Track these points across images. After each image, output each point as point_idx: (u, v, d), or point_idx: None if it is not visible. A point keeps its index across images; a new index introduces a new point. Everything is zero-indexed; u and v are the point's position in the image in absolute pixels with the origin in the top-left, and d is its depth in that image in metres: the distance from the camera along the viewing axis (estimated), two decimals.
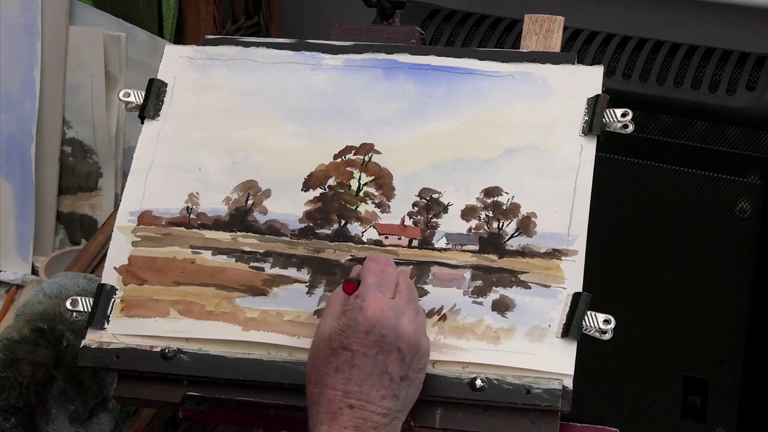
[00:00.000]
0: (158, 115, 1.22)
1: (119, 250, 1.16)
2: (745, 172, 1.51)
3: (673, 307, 1.60)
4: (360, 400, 0.99)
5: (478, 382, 1.04)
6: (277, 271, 1.12)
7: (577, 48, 1.59)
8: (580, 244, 1.09)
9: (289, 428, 1.07)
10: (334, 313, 1.02)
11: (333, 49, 1.23)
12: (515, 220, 1.11)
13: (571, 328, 1.05)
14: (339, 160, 1.17)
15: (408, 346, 1.00)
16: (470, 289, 1.08)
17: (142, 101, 1.22)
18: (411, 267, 1.10)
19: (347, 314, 1.00)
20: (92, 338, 1.12)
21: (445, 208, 1.13)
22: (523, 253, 1.09)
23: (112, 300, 1.13)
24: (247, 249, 1.14)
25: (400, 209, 1.13)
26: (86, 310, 1.13)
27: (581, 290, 1.07)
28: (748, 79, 1.52)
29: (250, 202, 1.16)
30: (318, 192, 1.15)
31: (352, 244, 1.12)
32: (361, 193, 1.15)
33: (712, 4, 1.73)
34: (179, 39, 1.80)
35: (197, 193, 1.17)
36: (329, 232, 1.13)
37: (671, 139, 1.54)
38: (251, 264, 1.13)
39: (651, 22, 1.77)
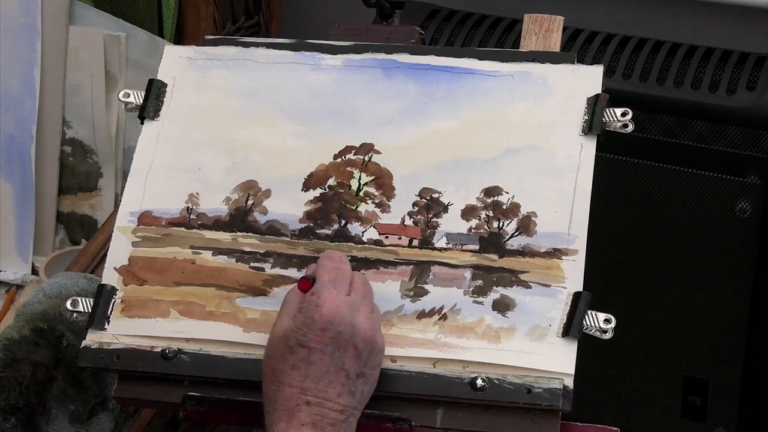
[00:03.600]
0: (158, 116, 1.22)
1: (119, 250, 1.16)
2: (745, 172, 1.51)
3: (673, 306, 1.60)
4: (317, 397, 0.99)
5: (479, 382, 1.04)
6: (277, 271, 1.12)
7: (577, 48, 1.59)
8: (580, 244, 1.09)
9: None
10: (290, 311, 1.02)
11: (333, 49, 1.23)
12: (515, 219, 1.11)
13: (571, 327, 1.05)
14: (339, 160, 1.17)
15: (364, 343, 1.01)
16: (470, 289, 1.08)
17: (141, 101, 1.22)
18: (411, 267, 1.10)
19: (303, 312, 1.01)
20: (93, 339, 1.12)
21: (445, 208, 1.13)
22: (524, 252, 1.09)
23: (113, 300, 1.13)
24: (247, 249, 1.14)
25: (400, 209, 1.13)
26: (86, 310, 1.13)
27: (581, 290, 1.07)
28: (748, 79, 1.52)
29: (250, 202, 1.16)
30: (318, 192, 1.15)
31: (353, 244, 1.12)
32: (361, 193, 1.15)
33: (712, 4, 1.73)
34: (179, 39, 1.81)
35: (197, 193, 1.17)
36: (329, 232, 1.13)
37: (671, 139, 1.54)
38: (251, 264, 1.13)
39: (651, 22, 1.77)
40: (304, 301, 1.01)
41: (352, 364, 1.00)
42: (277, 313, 1.04)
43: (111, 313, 1.13)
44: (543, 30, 1.24)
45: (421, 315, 1.08)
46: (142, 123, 1.22)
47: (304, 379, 0.99)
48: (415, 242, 1.12)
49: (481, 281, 1.08)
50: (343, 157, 1.17)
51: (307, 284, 1.03)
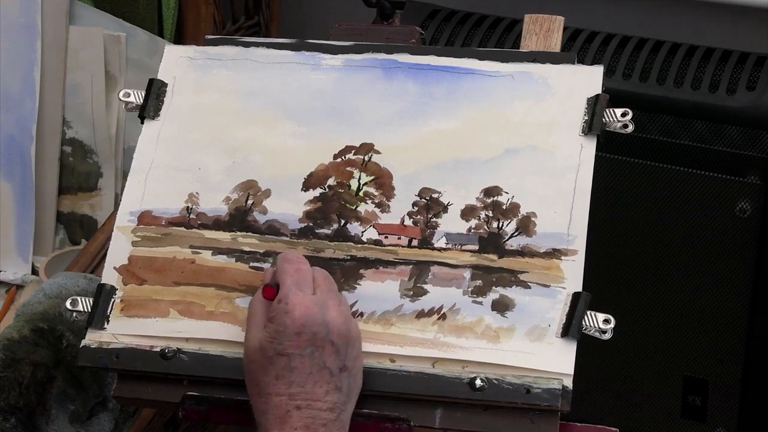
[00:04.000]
0: (158, 115, 1.22)
1: (119, 250, 1.16)
2: (745, 172, 1.51)
3: (673, 307, 1.60)
4: (306, 400, 0.99)
5: (478, 382, 1.04)
6: None
7: (577, 48, 1.59)
8: (579, 244, 1.09)
9: None
10: (259, 322, 1.02)
11: (333, 49, 1.23)
12: (515, 219, 1.11)
13: (570, 327, 1.05)
14: (339, 160, 1.17)
15: (339, 337, 1.01)
16: (470, 289, 1.08)
17: (142, 101, 1.22)
18: (410, 266, 1.10)
19: (274, 320, 1.00)
20: (92, 338, 1.12)
21: (444, 208, 1.13)
22: (523, 252, 1.09)
23: (112, 300, 1.13)
24: (247, 249, 1.14)
25: (399, 209, 1.13)
26: (86, 310, 1.13)
27: (581, 290, 1.07)
28: (748, 79, 1.52)
29: (250, 202, 1.16)
30: (318, 192, 1.15)
31: (352, 243, 1.12)
32: (361, 193, 1.15)
33: (712, 4, 1.73)
34: (179, 39, 1.81)
35: (197, 193, 1.17)
36: (329, 231, 1.13)
37: (671, 139, 1.54)
38: (251, 264, 1.13)
39: (651, 22, 1.77)
40: (273, 310, 1.01)
41: (333, 360, 1.01)
42: (246, 326, 1.04)
43: (110, 313, 1.13)
44: (543, 30, 1.24)
45: (420, 315, 1.08)
46: (142, 123, 1.22)
47: (290, 386, 0.99)
48: (415, 242, 1.12)
49: (480, 281, 1.08)
50: (343, 157, 1.17)
51: (271, 291, 1.03)
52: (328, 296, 1.03)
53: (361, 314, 1.08)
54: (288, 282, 1.02)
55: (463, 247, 1.10)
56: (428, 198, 1.14)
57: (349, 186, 1.15)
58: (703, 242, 1.55)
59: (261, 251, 1.13)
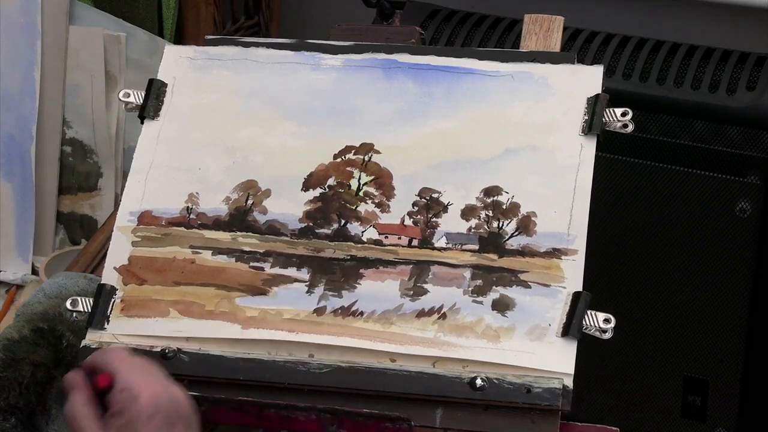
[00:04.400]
0: (158, 116, 1.22)
1: (119, 250, 1.16)
2: (745, 172, 1.52)
3: (673, 306, 1.60)
4: None
5: (479, 382, 1.04)
6: (277, 270, 1.12)
7: (577, 48, 1.59)
8: (580, 244, 1.09)
9: (289, 428, 1.07)
10: (94, 424, 0.97)
11: (333, 49, 1.23)
12: (515, 219, 1.11)
13: (571, 327, 1.05)
14: (339, 159, 1.17)
15: (186, 409, 0.98)
16: (470, 289, 1.08)
17: (142, 101, 1.22)
18: (411, 266, 1.10)
19: (123, 412, 0.96)
20: (92, 338, 1.12)
21: (445, 208, 1.13)
22: (523, 252, 1.09)
23: (112, 300, 1.13)
24: (247, 249, 1.14)
25: (400, 209, 1.13)
26: (86, 310, 1.13)
27: (581, 289, 1.07)
28: (748, 79, 1.53)
29: (250, 202, 1.16)
30: (318, 192, 1.15)
31: (352, 243, 1.12)
32: (361, 193, 1.15)
33: (712, 4, 1.73)
34: (179, 39, 1.81)
35: (197, 193, 1.17)
36: (329, 231, 1.13)
37: (671, 139, 1.54)
38: (251, 264, 1.13)
39: (651, 22, 1.78)
40: (118, 402, 0.96)
41: None
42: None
43: (111, 313, 1.13)
44: (543, 30, 1.24)
45: (421, 314, 1.07)
46: (142, 123, 1.22)
47: None
48: (415, 242, 1.12)
49: (480, 281, 1.08)
50: (343, 157, 1.17)
51: (106, 379, 0.98)
52: (159, 374, 0.99)
53: (361, 313, 1.08)
54: (124, 368, 0.98)
55: (464, 247, 1.11)
56: (428, 198, 1.14)
57: (349, 186, 1.15)
58: (703, 242, 1.55)
59: (261, 251, 1.13)
